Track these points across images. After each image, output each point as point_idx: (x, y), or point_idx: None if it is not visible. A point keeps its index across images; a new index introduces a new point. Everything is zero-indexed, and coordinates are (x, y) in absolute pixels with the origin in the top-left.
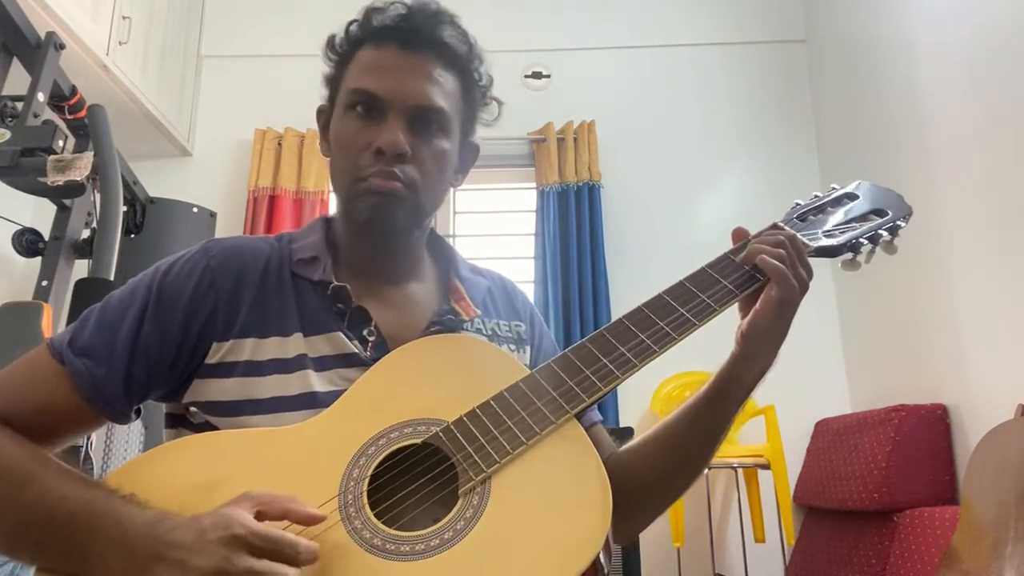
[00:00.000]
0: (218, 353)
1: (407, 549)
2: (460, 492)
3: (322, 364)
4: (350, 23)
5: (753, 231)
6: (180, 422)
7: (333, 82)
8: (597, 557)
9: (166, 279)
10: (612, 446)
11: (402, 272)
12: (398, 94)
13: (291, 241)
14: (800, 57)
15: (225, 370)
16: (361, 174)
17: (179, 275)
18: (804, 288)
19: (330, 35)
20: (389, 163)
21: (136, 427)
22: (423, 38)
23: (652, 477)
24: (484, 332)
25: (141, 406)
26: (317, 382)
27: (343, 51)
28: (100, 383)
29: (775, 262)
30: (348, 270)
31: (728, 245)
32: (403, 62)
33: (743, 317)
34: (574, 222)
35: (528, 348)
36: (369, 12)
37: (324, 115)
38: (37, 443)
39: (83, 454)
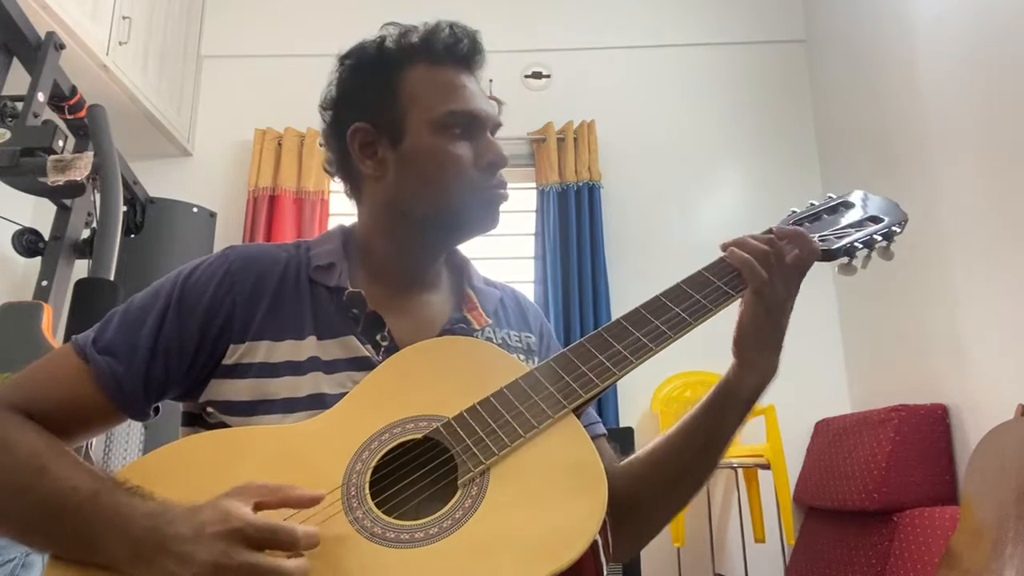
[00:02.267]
0: (235, 355)
1: (406, 537)
2: (459, 483)
3: (333, 367)
4: (381, 40)
5: (752, 230)
6: (196, 421)
7: (383, 97)
8: (597, 549)
9: (187, 282)
10: (614, 460)
11: (421, 280)
12: (488, 113)
13: (309, 248)
14: (800, 57)
15: (241, 371)
16: (485, 187)
17: (200, 279)
18: (780, 285)
19: (362, 47)
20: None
21: (136, 428)
22: (479, 59)
23: (651, 490)
24: (495, 341)
25: (159, 405)
26: (327, 384)
27: (389, 67)
28: (121, 380)
29: (742, 253)
30: (365, 277)
31: None
32: (472, 82)
33: None
34: (574, 222)
35: (537, 359)
36: (406, 31)
37: (365, 133)
38: (57, 437)
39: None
